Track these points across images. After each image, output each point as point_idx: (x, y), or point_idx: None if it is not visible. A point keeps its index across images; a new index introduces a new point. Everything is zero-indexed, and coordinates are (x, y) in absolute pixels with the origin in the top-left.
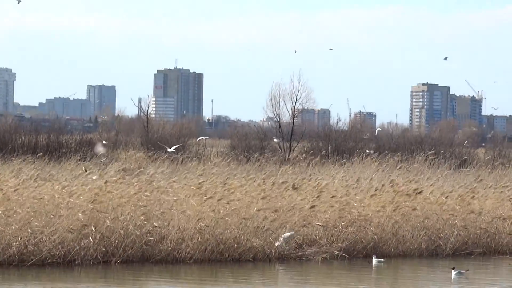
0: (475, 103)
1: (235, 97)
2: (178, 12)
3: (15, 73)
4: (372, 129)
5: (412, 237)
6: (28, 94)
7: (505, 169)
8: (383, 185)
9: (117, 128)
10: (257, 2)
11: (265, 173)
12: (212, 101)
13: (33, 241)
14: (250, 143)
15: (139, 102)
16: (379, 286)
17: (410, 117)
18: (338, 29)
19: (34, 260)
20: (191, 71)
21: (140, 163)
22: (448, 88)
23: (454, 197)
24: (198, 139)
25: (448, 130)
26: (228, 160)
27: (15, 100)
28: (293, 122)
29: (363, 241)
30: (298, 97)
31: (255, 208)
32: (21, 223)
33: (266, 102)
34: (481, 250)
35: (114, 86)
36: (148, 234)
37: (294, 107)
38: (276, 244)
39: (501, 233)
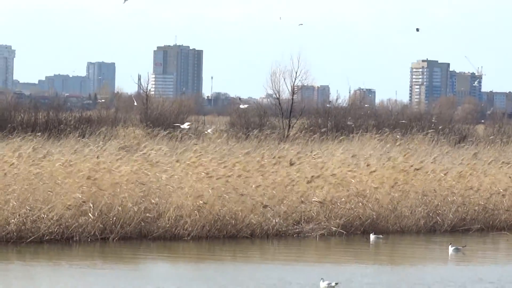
0: (475, 79)
1: (234, 74)
2: None
3: (14, 50)
4: (371, 106)
5: (411, 213)
6: (28, 71)
7: (504, 146)
8: (381, 161)
9: (116, 105)
10: None
11: (263, 150)
12: (212, 78)
13: (31, 218)
14: (249, 120)
15: (139, 79)
16: (377, 262)
17: (410, 93)
18: (339, 6)
19: (32, 237)
20: (191, 48)
21: (139, 140)
22: (448, 64)
23: (452, 173)
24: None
25: (448, 106)
26: (226, 137)
27: (14, 77)
28: (293, 99)
29: (361, 217)
30: (297, 74)
31: (253, 185)
32: (19, 200)
33: (265, 79)
34: (479, 226)
35: (114, 63)
36: (146, 211)
37: (293, 84)
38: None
39: (499, 209)
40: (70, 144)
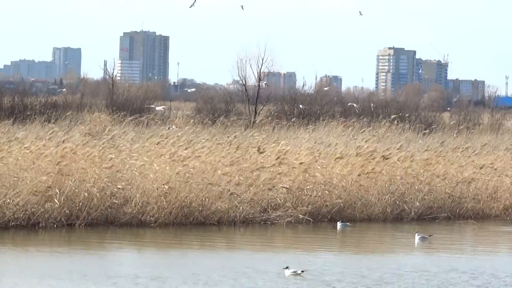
0: (441, 67)
1: (201, 60)
2: None
3: None
4: (338, 93)
5: (378, 201)
6: None
7: (470, 133)
8: (348, 149)
9: (82, 90)
10: None
11: (229, 137)
12: (178, 64)
13: None
14: (215, 106)
15: (105, 65)
16: (344, 250)
17: (376, 81)
18: None
19: None
20: (157, 33)
21: (105, 125)
22: (414, 52)
23: (419, 161)
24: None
25: (414, 94)
26: (193, 123)
27: None
28: (259, 85)
29: (328, 205)
30: (264, 60)
31: (220, 172)
32: None
33: (232, 66)
34: (445, 214)
35: (80, 49)
36: (113, 197)
37: (260, 70)
38: None
39: (465, 197)
40: (36, 129)
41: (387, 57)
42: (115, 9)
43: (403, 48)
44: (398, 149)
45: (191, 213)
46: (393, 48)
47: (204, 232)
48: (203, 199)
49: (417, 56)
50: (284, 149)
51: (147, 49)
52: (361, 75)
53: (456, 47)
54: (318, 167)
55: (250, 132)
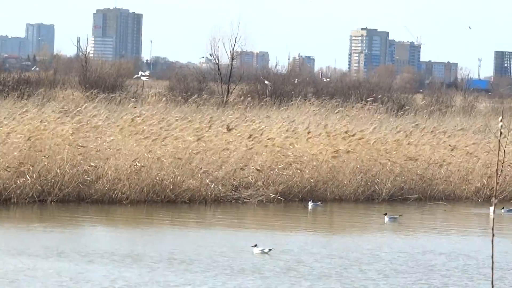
0: (414, 48)
1: (174, 38)
2: None
3: None
4: (310, 73)
5: (349, 181)
6: None
7: (442, 115)
8: (320, 129)
9: (55, 67)
10: None
11: (201, 115)
12: (151, 42)
13: None
14: (188, 85)
15: (78, 41)
16: (315, 230)
17: (349, 62)
18: None
19: None
20: (130, 11)
21: (78, 102)
22: (387, 33)
23: (391, 142)
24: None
25: (387, 75)
26: (165, 100)
27: None
28: (232, 64)
29: (299, 184)
30: (237, 39)
31: (191, 150)
32: None
33: (205, 44)
34: (417, 195)
35: (53, 25)
36: (85, 174)
37: (233, 49)
38: None
39: (436, 179)
40: (8, 105)
41: (360, 38)
42: None
43: (376, 29)
44: (370, 130)
45: (162, 190)
46: (366, 29)
47: (175, 210)
48: (175, 177)
49: (390, 38)
50: (258, 127)
51: (120, 26)
52: (334, 56)
53: (429, 29)
54: (290, 146)
55: (222, 110)
